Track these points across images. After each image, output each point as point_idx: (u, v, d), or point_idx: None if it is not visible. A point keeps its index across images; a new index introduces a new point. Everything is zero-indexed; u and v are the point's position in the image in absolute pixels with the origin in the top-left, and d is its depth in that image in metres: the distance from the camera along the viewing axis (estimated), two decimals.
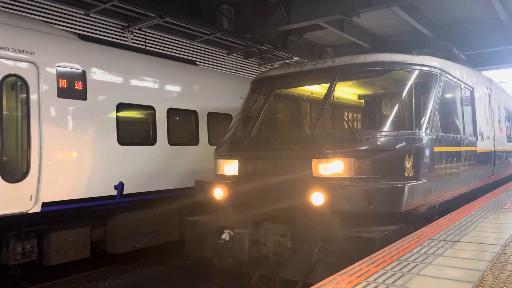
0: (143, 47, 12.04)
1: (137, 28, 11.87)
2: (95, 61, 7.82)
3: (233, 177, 6.63)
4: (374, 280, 3.37)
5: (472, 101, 8.82)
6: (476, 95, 9.14)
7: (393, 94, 9.25)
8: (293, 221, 5.80)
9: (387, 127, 6.05)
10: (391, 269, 3.67)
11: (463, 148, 7.74)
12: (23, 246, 7.01)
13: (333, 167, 5.66)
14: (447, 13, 14.79)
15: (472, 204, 7.63)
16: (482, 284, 3.21)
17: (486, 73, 13.57)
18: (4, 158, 6.43)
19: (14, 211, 6.49)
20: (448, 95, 7.33)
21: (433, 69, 6.78)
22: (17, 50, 6.60)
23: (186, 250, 6.91)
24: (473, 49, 16.12)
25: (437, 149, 6.35)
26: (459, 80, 7.95)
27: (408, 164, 5.67)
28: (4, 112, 6.55)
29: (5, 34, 6.58)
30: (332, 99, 6.54)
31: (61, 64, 7.18)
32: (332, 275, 3.52)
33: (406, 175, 5.65)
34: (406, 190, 5.30)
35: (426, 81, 6.87)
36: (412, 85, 6.71)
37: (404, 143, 5.80)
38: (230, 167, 6.68)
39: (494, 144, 10.48)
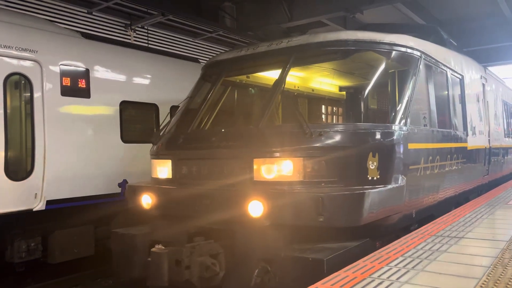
0: (146, 45, 12.05)
1: (139, 26, 11.88)
2: (98, 59, 7.83)
3: (166, 181, 5.62)
4: (379, 276, 3.37)
5: (461, 91, 7.83)
6: (467, 84, 8.13)
7: (363, 81, 8.33)
8: (229, 237, 4.75)
9: (349, 119, 5.51)
10: (396, 265, 3.66)
11: (448, 145, 6.75)
12: (27, 244, 7.04)
13: (277, 169, 4.66)
14: (450, 9, 14.72)
15: (477, 201, 7.60)
16: (487, 280, 3.20)
17: (490, 69, 13.36)
18: (8, 156, 6.45)
19: (19, 209, 6.51)
20: (429, 83, 6.29)
21: (409, 50, 5.78)
22: (20, 49, 6.62)
23: (112, 269, 5.79)
24: (477, 45, 16.04)
25: (412, 146, 5.42)
26: (445, 65, 6.98)
27: (372, 165, 4.74)
28: (8, 111, 6.56)
29: (9, 32, 6.59)
30: (284, 86, 5.44)
31: (64, 62, 7.19)
32: (337, 271, 3.52)
33: (370, 178, 4.72)
34: (366, 198, 4.38)
35: (401, 65, 5.96)
36: (384, 70, 5.80)
37: (366, 139, 4.87)
38: (163, 169, 5.67)
39: (489, 140, 9.50)
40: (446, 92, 7.05)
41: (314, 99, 9.45)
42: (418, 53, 5.89)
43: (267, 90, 7.13)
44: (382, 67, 5.74)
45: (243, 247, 4.60)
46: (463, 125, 7.67)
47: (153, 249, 4.73)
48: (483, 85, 9.56)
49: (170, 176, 5.55)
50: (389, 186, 4.84)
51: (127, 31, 11.77)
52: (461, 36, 15.00)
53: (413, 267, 3.59)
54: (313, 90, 9.01)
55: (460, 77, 7.80)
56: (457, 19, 15.62)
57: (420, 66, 5.85)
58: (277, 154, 4.70)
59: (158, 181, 5.73)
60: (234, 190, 4.74)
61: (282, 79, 5.42)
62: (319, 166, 4.62)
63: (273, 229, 4.43)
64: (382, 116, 6.92)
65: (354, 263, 3.76)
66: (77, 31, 8.67)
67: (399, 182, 5.03)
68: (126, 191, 6.10)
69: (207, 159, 5.23)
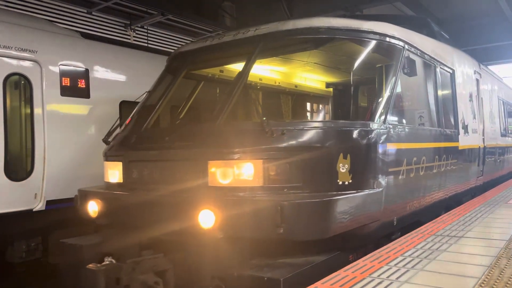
0: (146, 45, 12.05)
1: (139, 26, 11.89)
2: (98, 59, 7.82)
3: (117, 185, 5.09)
4: (379, 276, 3.37)
5: (452, 87, 7.30)
6: (458, 79, 7.60)
7: (348, 76, 7.78)
8: (180, 251, 4.19)
9: (319, 116, 5.07)
10: (395, 264, 3.66)
11: (436, 144, 6.26)
12: (28, 244, 7.04)
13: (234, 172, 4.12)
14: (451, 8, 14.72)
15: (476, 200, 7.59)
16: (487, 279, 3.20)
17: (490, 67, 13.32)
18: (8, 157, 6.45)
19: (19, 209, 6.52)
20: (414, 76, 5.80)
21: (391, 40, 5.25)
22: (20, 49, 6.61)
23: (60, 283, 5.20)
24: (477, 44, 16.05)
25: (392, 145, 4.93)
26: (433, 58, 6.44)
27: (343, 168, 4.24)
28: (8, 111, 6.56)
29: (8, 32, 6.58)
30: (247, 78, 4.96)
31: (64, 62, 7.18)
32: (336, 271, 3.52)
33: (340, 183, 4.22)
34: (332, 206, 3.93)
35: (381, 56, 5.47)
36: (363, 61, 5.36)
37: (336, 139, 4.35)
38: (114, 172, 5.15)
39: (483, 139, 8.99)
40: (434, 87, 6.52)
41: (298, 96, 8.99)
42: (401, 43, 5.37)
43: (228, 82, 6.60)
44: (360, 58, 5.32)
45: (194, 262, 4.02)
46: (454, 123, 7.21)
47: (88, 266, 4.19)
48: (477, 81, 9.01)
49: (121, 180, 5.01)
50: (364, 192, 4.35)
51: (126, 31, 11.78)
52: (461, 34, 15.01)
53: (412, 267, 3.59)
54: (296, 86, 8.61)
55: (450, 71, 7.29)
56: (457, 18, 15.61)
57: (403, 58, 5.34)
58: (234, 156, 4.13)
59: (109, 186, 5.21)
60: (184, 197, 4.21)
61: (246, 71, 4.89)
62: (282, 170, 4.11)
63: (227, 243, 3.88)
64: (365, 114, 6.28)
65: (354, 263, 3.76)
66: (77, 31, 8.67)
67: (376, 187, 4.55)
68: (77, 197, 5.53)
69: (158, 161, 4.67)
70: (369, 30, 5.07)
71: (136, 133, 5.23)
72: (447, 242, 4.42)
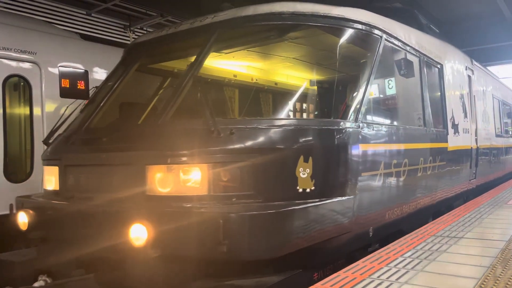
0: None
1: (138, 27, 11.88)
2: (97, 61, 7.82)
3: (53, 194, 4.45)
4: (378, 277, 3.36)
5: (440, 83, 6.78)
6: (447, 75, 7.07)
7: (316, 69, 7.34)
8: (115, 270, 3.65)
9: (280, 113, 4.62)
10: (395, 265, 3.66)
11: (421, 145, 5.77)
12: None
13: (173, 179, 3.57)
14: (450, 9, 14.72)
15: (477, 200, 7.59)
16: (486, 280, 3.20)
17: (490, 68, 13.29)
18: (8, 159, 6.44)
19: None
20: (395, 70, 5.30)
21: (366, 28, 4.67)
22: (19, 51, 6.62)
23: None
24: (476, 45, 16.06)
25: (367, 146, 4.42)
26: (417, 51, 5.90)
27: (304, 173, 3.71)
28: (7, 113, 6.56)
29: (7, 34, 6.58)
30: (198, 70, 4.33)
31: (63, 64, 7.19)
32: (336, 272, 3.52)
33: (300, 190, 3.69)
34: (288, 218, 3.44)
35: (355, 45, 4.92)
36: (335, 52, 4.76)
37: (295, 139, 3.79)
38: (51, 178, 4.52)
39: (476, 139, 8.51)
40: (420, 83, 5.96)
41: (279, 94, 8.43)
42: (379, 32, 4.84)
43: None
44: (332, 49, 4.82)
45: (126, 284, 3.49)
46: (442, 122, 6.69)
47: None
48: (469, 77, 8.46)
49: (57, 188, 4.38)
50: (330, 200, 3.84)
51: (126, 33, 11.78)
52: (461, 35, 15.01)
53: (412, 268, 3.58)
54: (276, 84, 8.13)
55: (438, 66, 6.74)
56: (456, 19, 15.61)
57: (381, 48, 4.78)
58: (173, 160, 3.55)
59: (45, 194, 4.62)
60: (115, 208, 3.64)
61: (198, 62, 4.29)
62: (230, 176, 3.54)
63: (164, 262, 3.34)
64: (319, 110, 6.23)
65: (354, 264, 3.76)
66: (76, 33, 8.67)
67: (346, 194, 4.01)
68: (12, 206, 5.02)
69: (95, 165, 4.06)
70: (340, 16, 4.48)
71: (77, 134, 4.54)
72: (447, 243, 4.42)
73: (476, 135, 8.55)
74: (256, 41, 5.31)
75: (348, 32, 4.60)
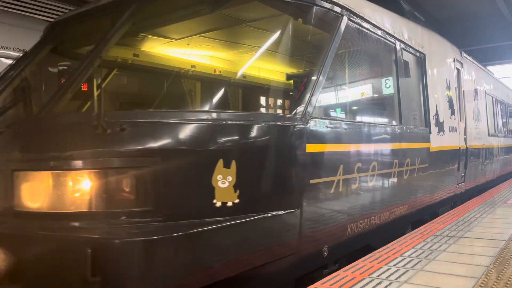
0: None
1: None
2: None
3: None
4: (378, 276, 3.36)
5: (422, 75, 6.06)
6: (431, 66, 6.34)
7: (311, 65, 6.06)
8: None
9: (204, 105, 3.75)
10: (395, 265, 3.66)
11: (394, 145, 5.00)
12: None
13: (44, 190, 2.76)
14: (448, 8, 14.74)
15: (476, 200, 7.59)
16: (486, 280, 3.20)
17: (489, 68, 13.21)
18: None
19: None
20: (363, 57, 4.71)
21: (322, 3, 3.86)
22: (21, 51, 6.61)
23: None
24: (475, 45, 16.07)
25: (317, 147, 3.61)
26: (392, 36, 5.13)
27: (224, 182, 2.87)
28: None
29: (6, 34, 6.59)
30: (104, 52, 3.52)
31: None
32: (336, 272, 3.52)
33: (218, 204, 2.86)
34: (197, 243, 2.72)
35: (308, 23, 4.04)
36: (282, 31, 4.29)
37: (213, 137, 2.93)
38: None
39: (465, 139, 7.86)
40: (395, 74, 5.22)
41: (249, 89, 7.59)
42: (339, 10, 4.06)
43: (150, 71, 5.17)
44: (279, 29, 4.24)
45: None
46: (424, 120, 5.98)
47: None
48: (458, 71, 7.75)
49: None
50: (262, 215, 3.06)
51: None
52: (460, 35, 15.02)
53: (412, 267, 3.58)
54: (244, 77, 7.31)
55: (420, 56, 6.03)
56: (455, 18, 15.63)
57: (342, 30, 3.99)
58: (43, 165, 2.73)
59: None
60: None
61: (103, 43, 3.52)
62: (119, 186, 2.70)
63: None
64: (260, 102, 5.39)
65: (353, 263, 3.75)
66: None
67: (286, 207, 3.25)
68: None
69: None
70: None
71: None
72: (447, 242, 4.42)
73: (465, 135, 7.92)
74: (184, 16, 4.36)
75: (297, 7, 3.81)
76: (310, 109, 3.56)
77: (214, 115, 3.02)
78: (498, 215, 6.04)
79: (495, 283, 3.12)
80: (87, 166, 2.71)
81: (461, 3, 14.34)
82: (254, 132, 3.16)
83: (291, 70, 7.38)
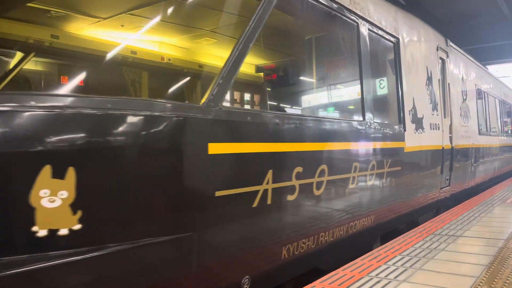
0: None
1: None
2: None
3: None
4: (377, 275, 3.36)
5: (395, 62, 5.29)
6: (406, 53, 5.51)
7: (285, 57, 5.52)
8: None
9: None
10: (393, 264, 3.65)
11: (350, 145, 4.16)
12: None
13: None
14: (448, 7, 14.73)
15: (474, 199, 7.59)
16: (485, 278, 3.20)
17: (489, 68, 13.17)
18: None
19: None
20: (312, 38, 3.98)
21: None
22: None
23: None
24: (475, 44, 16.08)
25: (225, 148, 2.71)
26: (352, 12, 4.29)
27: (53, 199, 1.99)
28: None
29: None
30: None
31: None
32: (335, 270, 3.51)
33: (44, 233, 1.97)
34: None
35: None
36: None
37: (35, 132, 1.99)
38: None
39: (450, 137, 7.00)
40: (357, 60, 4.47)
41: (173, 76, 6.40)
42: None
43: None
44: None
45: None
46: (397, 114, 5.22)
47: None
48: (442, 61, 6.92)
49: None
50: (125, 246, 2.19)
51: None
52: (460, 34, 15.02)
53: (411, 266, 3.58)
54: (170, 59, 6.09)
55: (392, 39, 5.23)
56: (454, 17, 15.62)
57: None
58: None
59: None
60: None
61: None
62: None
63: None
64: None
65: (352, 262, 3.75)
66: None
67: (172, 232, 2.41)
68: None
69: None
70: None
71: None
72: (445, 241, 4.42)
73: (450, 133, 7.03)
74: None
75: None
76: (218, 95, 2.66)
77: (34, 99, 2.01)
78: (497, 214, 6.05)
79: (494, 282, 3.11)
80: None
81: (460, 2, 14.34)
82: (114, 126, 2.22)
83: (224, 52, 5.89)
